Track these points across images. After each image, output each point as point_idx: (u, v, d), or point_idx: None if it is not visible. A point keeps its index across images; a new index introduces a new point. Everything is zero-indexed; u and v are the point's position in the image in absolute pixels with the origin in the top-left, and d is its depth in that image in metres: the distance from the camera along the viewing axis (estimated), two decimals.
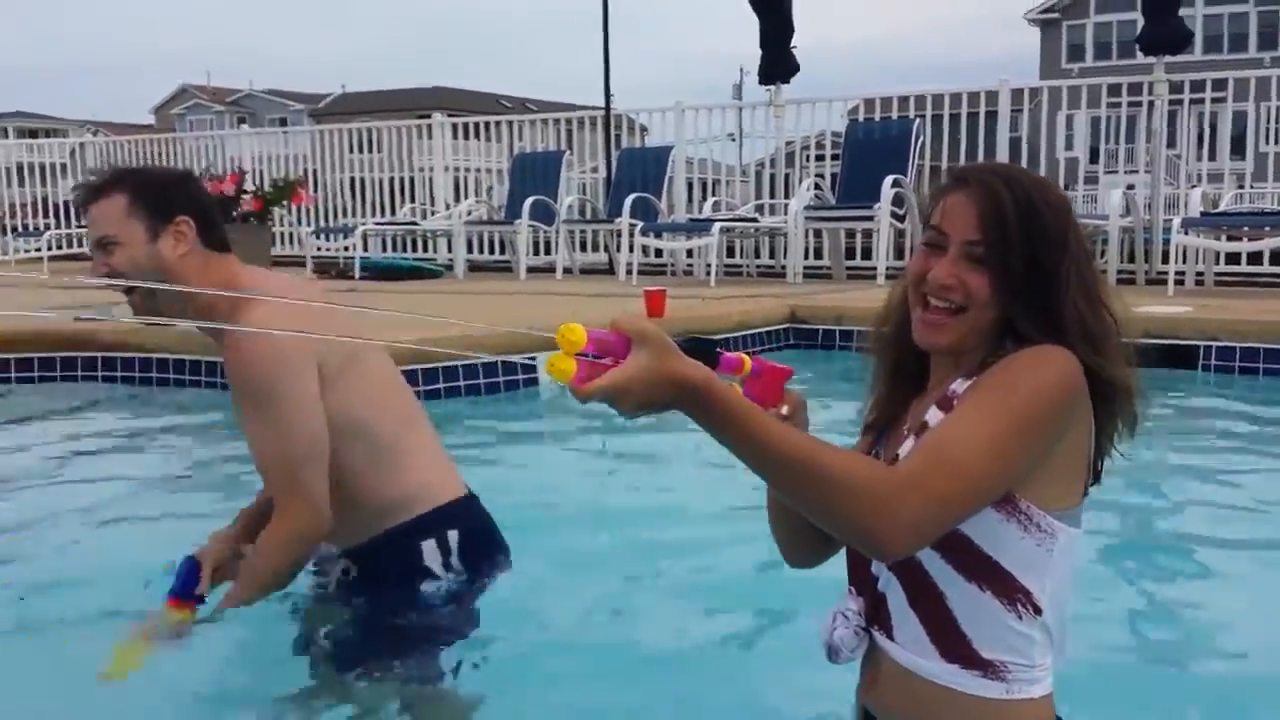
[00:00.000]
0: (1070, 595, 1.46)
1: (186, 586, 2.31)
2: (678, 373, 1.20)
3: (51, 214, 14.03)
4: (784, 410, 1.46)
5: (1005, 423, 1.33)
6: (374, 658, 2.23)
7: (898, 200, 8.35)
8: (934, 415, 1.45)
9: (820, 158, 10.54)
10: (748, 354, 1.44)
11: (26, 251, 12.96)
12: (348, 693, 2.16)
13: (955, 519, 1.33)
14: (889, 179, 8.27)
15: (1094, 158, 11.33)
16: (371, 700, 2.13)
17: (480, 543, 2.41)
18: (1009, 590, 1.40)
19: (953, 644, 1.42)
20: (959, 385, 1.44)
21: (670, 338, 1.23)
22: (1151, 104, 8.60)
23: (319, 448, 2.19)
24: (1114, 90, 9.29)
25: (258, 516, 2.44)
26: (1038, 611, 1.41)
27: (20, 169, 14.35)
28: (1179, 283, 7.26)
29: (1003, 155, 8.77)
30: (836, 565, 1.62)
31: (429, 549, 2.33)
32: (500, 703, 2.12)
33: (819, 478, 1.24)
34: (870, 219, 8.43)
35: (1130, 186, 8.82)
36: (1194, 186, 8.82)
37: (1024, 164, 8.68)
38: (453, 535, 2.35)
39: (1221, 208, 8.16)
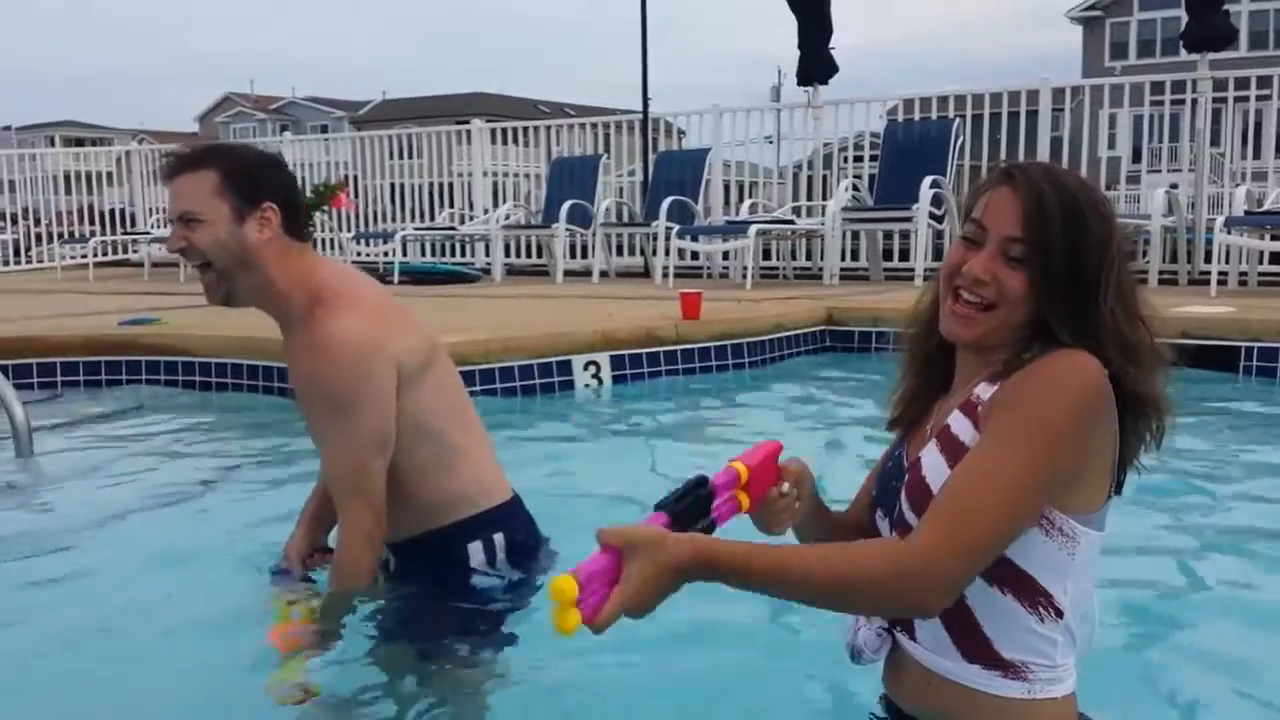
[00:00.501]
0: (1092, 595, 1.45)
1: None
2: (674, 561, 1.23)
3: (97, 221, 14.25)
4: (784, 487, 1.49)
5: (1024, 461, 1.32)
6: (410, 649, 2.25)
7: (936, 201, 8.30)
8: (957, 421, 1.44)
9: (859, 159, 10.50)
10: (737, 462, 1.43)
11: (73, 258, 13.17)
12: (382, 678, 2.18)
13: (987, 561, 1.34)
14: (928, 179, 8.22)
15: (1136, 157, 11.16)
16: (406, 688, 2.15)
17: (524, 546, 2.45)
18: (1031, 594, 1.40)
19: (974, 645, 1.42)
20: (983, 390, 1.43)
21: (659, 506, 1.29)
22: (1195, 102, 8.48)
23: (386, 449, 2.22)
24: (1157, 88, 9.19)
25: (315, 509, 2.50)
26: (1059, 615, 1.41)
27: (67, 177, 14.60)
28: (1222, 283, 7.16)
29: (1043, 155, 8.70)
30: None
31: (475, 550, 2.37)
32: (534, 700, 2.13)
33: (845, 585, 1.28)
34: (908, 220, 8.38)
35: (1173, 186, 8.71)
36: (1238, 185, 8.70)
37: (1065, 164, 8.60)
38: (499, 539, 2.39)
39: (1266, 206, 8.03)
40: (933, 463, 1.44)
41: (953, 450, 1.42)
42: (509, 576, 2.40)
